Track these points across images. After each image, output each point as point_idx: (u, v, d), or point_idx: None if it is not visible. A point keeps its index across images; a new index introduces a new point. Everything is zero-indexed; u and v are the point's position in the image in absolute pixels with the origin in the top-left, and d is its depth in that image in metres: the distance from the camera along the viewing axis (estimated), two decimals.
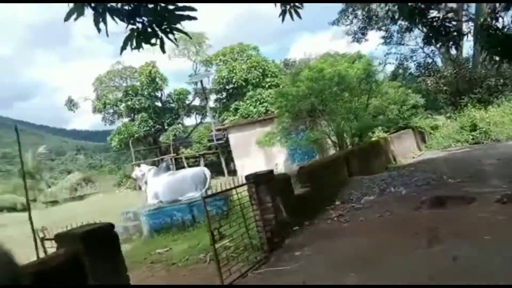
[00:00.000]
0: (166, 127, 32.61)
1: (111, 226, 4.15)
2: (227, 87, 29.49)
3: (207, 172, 12.24)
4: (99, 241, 3.95)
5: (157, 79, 32.21)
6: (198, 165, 27.44)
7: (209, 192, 11.06)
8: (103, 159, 62.58)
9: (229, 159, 26.64)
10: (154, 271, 7.99)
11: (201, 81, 30.29)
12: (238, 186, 6.49)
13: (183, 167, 24.81)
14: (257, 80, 28.28)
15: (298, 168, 9.51)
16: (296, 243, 6.87)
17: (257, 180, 6.44)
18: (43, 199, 33.05)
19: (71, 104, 34.59)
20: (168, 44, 3.66)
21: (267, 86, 28.17)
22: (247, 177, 6.55)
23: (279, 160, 19.94)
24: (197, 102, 35.06)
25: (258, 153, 19.86)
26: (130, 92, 31.90)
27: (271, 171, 7.19)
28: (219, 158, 28.33)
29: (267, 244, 6.48)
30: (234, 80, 28.32)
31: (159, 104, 33.64)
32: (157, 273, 7.80)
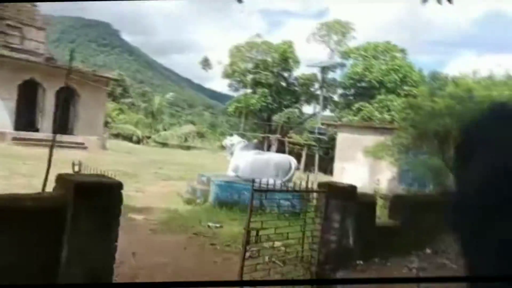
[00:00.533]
0: (282, 109, 31.96)
1: (119, 185, 3.88)
2: (358, 84, 27.26)
3: (294, 162, 10.95)
4: (93, 195, 3.66)
5: (290, 60, 31.53)
6: (300, 154, 26.21)
7: (291, 185, 9.79)
8: (225, 121, 65.76)
9: (329, 158, 24.79)
10: (191, 243, 7.10)
11: (324, 69, 28.15)
12: (307, 191, 5.11)
13: (283, 151, 23.80)
14: (393, 85, 25.46)
15: (393, 195, 7.55)
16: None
17: (330, 192, 4.92)
18: (156, 138, 35.60)
19: (205, 64, 36.08)
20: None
21: (402, 94, 25.22)
22: (319, 185, 5.06)
23: (384, 176, 17.59)
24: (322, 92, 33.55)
25: (364, 162, 17.81)
26: (260, 65, 31.86)
27: (354, 187, 5.54)
28: (328, 154, 26.59)
29: (316, 267, 4.97)
30: (367, 79, 25.96)
31: (284, 84, 33.04)
32: (191, 247, 6.88)
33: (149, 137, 35.77)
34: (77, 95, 20.56)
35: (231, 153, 12.07)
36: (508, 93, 12.28)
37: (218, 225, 8.30)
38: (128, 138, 34.60)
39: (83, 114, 20.82)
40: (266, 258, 5.68)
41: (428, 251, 7.20)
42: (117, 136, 35.08)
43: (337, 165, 20.14)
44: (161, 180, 13.83)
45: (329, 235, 5.03)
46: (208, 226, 8.14)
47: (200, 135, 46.35)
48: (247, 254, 5.38)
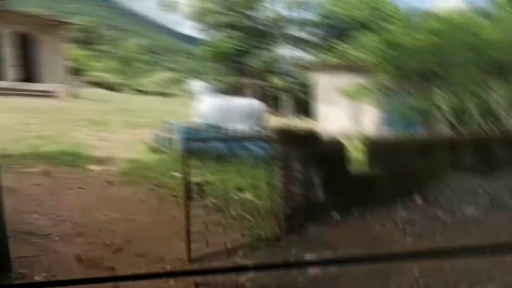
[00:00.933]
0: (256, 51, 30.64)
1: None
2: (331, 22, 25.94)
3: (261, 106, 10.30)
4: None
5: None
6: (278, 98, 25.46)
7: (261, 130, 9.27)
8: (202, 66, 63.69)
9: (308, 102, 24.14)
10: (152, 196, 6.59)
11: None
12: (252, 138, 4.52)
13: (262, 96, 23.00)
14: (369, 21, 24.24)
15: (373, 139, 6.98)
16: (321, 237, 4.78)
17: (285, 138, 4.33)
18: (133, 85, 34.23)
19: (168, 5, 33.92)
20: None
21: (379, 31, 24.03)
22: (274, 130, 4.48)
23: (368, 119, 17.09)
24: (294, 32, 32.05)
25: (343, 104, 17.19)
26: (227, 5, 30.05)
27: (313, 132, 4.97)
28: (306, 97, 25.88)
29: (281, 224, 4.51)
30: (340, 17, 24.65)
31: (253, 24, 31.39)
32: (150, 200, 6.38)
33: (125, 85, 34.36)
34: (37, 42, 19.05)
35: (198, 99, 11.38)
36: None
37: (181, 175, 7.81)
38: (105, 85, 33.16)
39: (46, 61, 19.42)
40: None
41: (417, 200, 6.57)
42: (95, 84, 33.61)
43: (318, 109, 19.51)
44: (130, 128, 13.10)
45: (293, 187, 4.51)
46: (173, 176, 7.62)
47: (177, 81, 44.92)
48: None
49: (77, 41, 44.00)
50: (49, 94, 18.42)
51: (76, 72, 34.40)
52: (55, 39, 19.64)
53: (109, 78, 33.73)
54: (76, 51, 36.95)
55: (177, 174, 7.81)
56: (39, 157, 8.07)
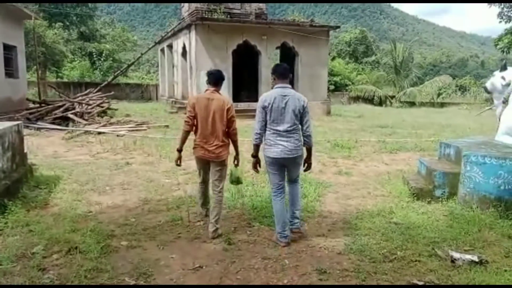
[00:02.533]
0: None
1: None
2: None
3: None
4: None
5: None
6: None
7: None
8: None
9: None
10: None
11: None
12: None
13: None
14: None
15: None
16: None
17: None
18: (401, 97, 30.14)
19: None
20: None
21: None
22: None
23: None
24: None
25: None
26: None
27: None
28: None
29: None
30: None
31: None
32: None
33: (392, 97, 30.67)
34: (296, 53, 18.05)
35: (504, 101, 6.46)
36: None
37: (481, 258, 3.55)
38: (369, 100, 30.62)
39: (305, 75, 18.19)
40: None
41: None
42: (356, 99, 31.72)
43: None
44: (384, 152, 9.38)
45: None
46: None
47: (460, 88, 37.42)
48: None
49: (341, 54, 43.89)
50: None
51: (339, 86, 33.60)
52: (315, 49, 18.23)
53: (374, 90, 30.77)
54: (339, 64, 36.25)
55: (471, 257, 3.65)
56: None
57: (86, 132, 10.92)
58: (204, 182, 4.77)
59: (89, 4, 35.75)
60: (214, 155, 4.33)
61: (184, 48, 18.07)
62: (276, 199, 4.21)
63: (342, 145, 9.84)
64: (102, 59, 32.46)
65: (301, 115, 4.04)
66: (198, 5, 17.06)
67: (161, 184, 6.35)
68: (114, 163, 7.58)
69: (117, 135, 10.75)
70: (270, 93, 4.11)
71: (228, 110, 4.26)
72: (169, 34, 20.47)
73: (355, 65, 41.24)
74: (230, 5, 17.87)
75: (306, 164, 4.29)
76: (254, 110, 4.26)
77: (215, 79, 4.37)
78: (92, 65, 32.88)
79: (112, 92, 16.95)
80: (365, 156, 8.91)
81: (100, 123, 12.22)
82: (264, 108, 4.02)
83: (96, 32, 41.36)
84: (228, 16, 17.22)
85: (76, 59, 33.78)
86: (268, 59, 17.01)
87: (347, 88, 33.53)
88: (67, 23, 33.16)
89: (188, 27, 16.98)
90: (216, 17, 16.46)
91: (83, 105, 13.73)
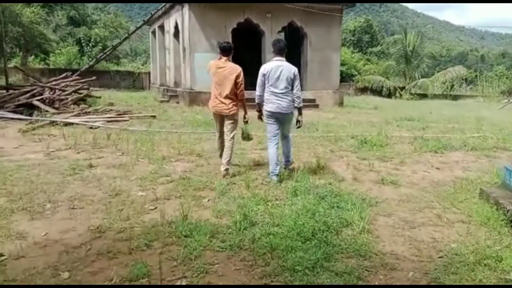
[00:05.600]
0: None
1: None
2: None
3: None
4: None
5: None
6: None
7: None
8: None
9: None
10: None
11: None
12: None
13: None
14: None
15: None
16: None
17: None
18: (412, 89, 28.05)
19: None
20: None
21: None
22: None
23: None
24: None
25: None
26: None
27: None
28: None
29: None
30: None
31: None
32: None
33: (402, 88, 28.60)
34: (304, 34, 15.89)
35: None
36: None
37: None
38: (377, 91, 28.49)
39: (315, 60, 16.05)
40: None
41: None
42: (363, 90, 29.59)
43: None
44: (428, 152, 7.34)
45: None
46: None
47: (469, 81, 35.32)
48: None
49: (345, 43, 41.56)
50: (310, 103, 14.88)
51: (345, 76, 31.41)
52: (327, 31, 16.04)
53: (384, 81, 28.68)
54: (345, 53, 34.00)
55: None
56: None
57: (52, 122, 8.82)
58: (221, 135, 5.55)
59: None
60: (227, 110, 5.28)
61: (176, 27, 15.85)
62: (271, 144, 5.25)
63: (371, 142, 7.80)
64: (90, 45, 30.14)
65: (292, 81, 5.11)
66: None
67: (131, 199, 4.31)
68: (72, 165, 5.52)
69: (90, 127, 8.67)
70: (268, 64, 5.19)
71: (237, 76, 5.25)
72: (160, 12, 18.18)
73: (360, 55, 39.02)
74: None
75: (297, 122, 5.37)
76: None
77: (224, 50, 5.35)
78: (80, 51, 30.55)
79: (94, 77, 14.72)
80: (405, 156, 6.87)
81: (73, 112, 10.11)
82: (264, 75, 5.12)
83: (87, 18, 38.90)
84: None
85: (64, 45, 31.43)
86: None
87: (353, 78, 31.39)
88: (51, 4, 30.63)
89: (180, 1, 14.76)
90: None
91: (56, 91, 11.59)
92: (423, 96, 27.47)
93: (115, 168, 5.53)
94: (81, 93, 12.40)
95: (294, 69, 5.15)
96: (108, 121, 9.39)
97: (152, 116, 10.67)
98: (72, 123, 8.81)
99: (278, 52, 5.17)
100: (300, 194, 4.52)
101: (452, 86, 29.75)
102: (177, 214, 3.80)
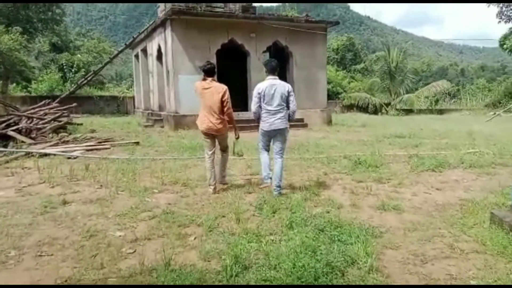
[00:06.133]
0: None
1: None
2: None
3: None
4: None
5: None
6: None
7: None
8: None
9: None
10: None
11: None
12: None
13: None
14: None
15: None
16: None
17: None
18: (397, 105, 28.17)
19: None
20: None
21: None
22: None
23: None
24: None
25: None
26: None
27: None
28: None
29: None
30: None
31: None
32: None
33: (388, 104, 28.68)
34: (289, 53, 15.72)
35: None
36: None
37: None
38: (363, 108, 28.50)
39: (301, 79, 15.86)
40: None
41: None
42: (349, 107, 29.60)
43: None
44: (425, 171, 7.01)
45: None
46: None
47: (452, 94, 35.72)
48: None
49: (329, 61, 41.87)
50: (298, 123, 14.59)
51: (331, 94, 31.44)
52: (311, 48, 15.91)
53: (368, 98, 28.74)
54: (330, 71, 34.15)
55: None
56: None
57: (27, 154, 8.28)
58: (212, 154, 5.69)
59: (55, 9, 32.79)
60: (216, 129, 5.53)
61: (159, 50, 15.54)
62: (263, 154, 5.68)
63: (365, 162, 7.46)
64: (73, 71, 29.64)
65: (286, 98, 5.38)
66: (176, 3, 14.63)
67: (107, 241, 3.82)
68: (44, 203, 5.01)
69: (68, 158, 8.15)
70: (263, 83, 5.41)
71: (223, 95, 5.44)
72: (142, 35, 17.89)
73: (344, 72, 39.32)
74: (213, 4, 15.51)
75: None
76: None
77: (208, 72, 5.56)
78: (63, 78, 30.00)
79: (75, 104, 14.21)
80: (403, 177, 6.53)
81: (51, 142, 9.58)
82: (259, 93, 5.37)
83: (69, 43, 38.50)
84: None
85: (47, 72, 30.86)
86: (258, 60, 14.60)
87: (339, 96, 31.44)
88: (30, 30, 30.10)
89: (163, 24, 14.49)
90: (195, 11, 14.02)
91: (34, 119, 11.06)
92: (409, 111, 27.59)
93: (92, 204, 5.04)
94: (60, 121, 11.88)
95: (288, 86, 5.41)
96: (88, 150, 8.90)
97: (135, 142, 10.19)
98: (49, 154, 8.27)
99: (271, 71, 5.40)
100: (296, 226, 4.10)
101: (437, 100, 29.98)
102: (159, 258, 3.33)
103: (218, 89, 5.41)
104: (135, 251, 3.59)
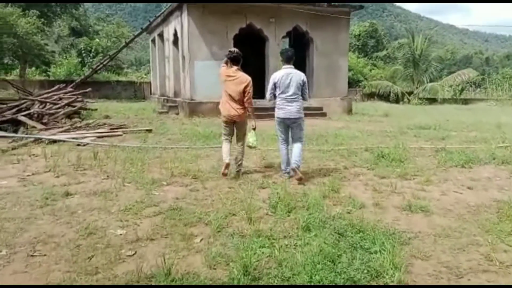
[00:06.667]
0: None
1: None
2: None
3: None
4: None
5: None
6: None
7: None
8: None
9: None
10: None
11: None
12: None
13: None
14: None
15: None
16: None
17: None
18: (420, 94, 27.19)
19: None
20: None
21: None
22: None
23: None
24: None
25: None
26: None
27: None
28: None
29: None
30: None
31: None
32: None
33: (410, 93, 27.73)
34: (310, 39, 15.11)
35: None
36: None
37: None
38: (384, 97, 27.63)
39: (321, 66, 15.26)
40: None
41: None
42: (370, 96, 28.75)
43: None
44: (454, 167, 6.48)
45: None
46: None
47: (478, 84, 34.33)
48: None
49: (350, 48, 40.74)
50: (317, 111, 14.07)
51: (352, 81, 30.60)
52: (333, 34, 15.25)
53: (390, 86, 27.82)
54: (351, 58, 33.18)
55: None
56: None
57: (36, 140, 8.08)
58: (229, 138, 5.81)
59: None
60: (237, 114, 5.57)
61: (175, 35, 15.16)
62: (282, 146, 5.71)
63: (388, 155, 6.97)
64: (91, 55, 29.62)
65: (302, 87, 5.53)
66: None
67: (106, 240, 3.51)
68: (46, 194, 4.74)
69: (77, 145, 7.92)
70: (279, 72, 5.59)
71: (246, 86, 5.48)
72: (159, 19, 17.51)
73: (366, 60, 38.23)
74: None
75: None
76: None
77: (235, 60, 5.58)
78: (81, 62, 30.04)
79: (89, 89, 13.98)
80: (430, 173, 6.03)
81: (62, 127, 9.37)
82: (275, 83, 5.52)
83: (89, 28, 38.51)
84: None
85: (66, 56, 30.95)
86: (277, 46, 14.06)
87: (360, 84, 30.58)
88: (48, 13, 30.08)
89: (179, 7, 14.06)
90: None
91: (47, 104, 10.89)
92: (432, 100, 26.62)
93: (95, 196, 4.75)
94: (74, 106, 11.70)
95: (303, 76, 5.58)
96: (99, 137, 8.65)
97: (148, 130, 9.91)
98: (58, 140, 8.05)
99: (287, 60, 5.56)
100: (313, 229, 3.71)
101: (462, 89, 28.82)
102: (160, 263, 3.00)
103: (242, 80, 5.46)
104: (135, 253, 3.27)
